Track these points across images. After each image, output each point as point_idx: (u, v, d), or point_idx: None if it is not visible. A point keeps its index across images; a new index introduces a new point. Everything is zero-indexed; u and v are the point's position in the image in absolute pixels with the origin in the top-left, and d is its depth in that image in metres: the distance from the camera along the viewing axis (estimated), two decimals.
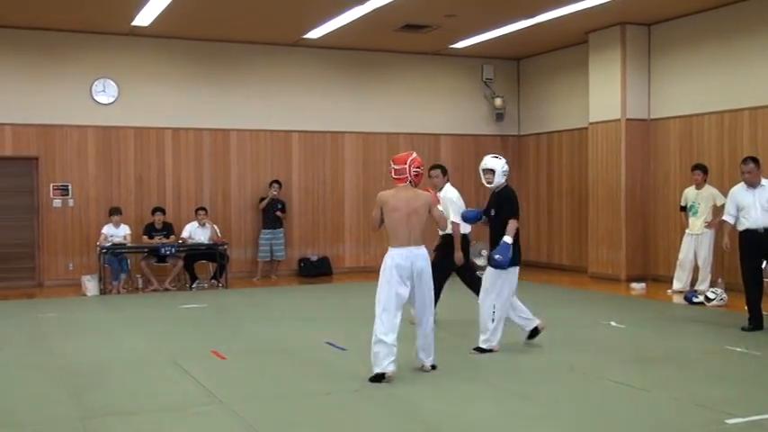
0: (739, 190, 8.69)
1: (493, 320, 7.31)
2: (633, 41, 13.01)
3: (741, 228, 8.64)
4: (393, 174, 6.71)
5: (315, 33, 13.23)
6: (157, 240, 12.55)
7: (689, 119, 12.43)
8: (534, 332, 7.77)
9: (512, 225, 7.20)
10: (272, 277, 13.87)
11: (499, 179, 7.38)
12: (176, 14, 11.79)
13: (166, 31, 13.01)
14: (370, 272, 14.60)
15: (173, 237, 12.73)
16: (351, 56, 14.80)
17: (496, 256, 7.12)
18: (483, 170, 7.44)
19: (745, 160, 8.76)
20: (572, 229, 14.77)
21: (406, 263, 6.45)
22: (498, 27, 13.02)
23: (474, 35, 13.65)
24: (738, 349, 7.55)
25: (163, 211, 12.89)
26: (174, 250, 12.47)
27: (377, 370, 6.39)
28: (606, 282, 12.87)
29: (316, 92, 14.58)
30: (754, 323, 8.52)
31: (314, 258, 14.44)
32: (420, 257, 6.52)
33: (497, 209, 7.40)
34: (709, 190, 11.20)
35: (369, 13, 11.72)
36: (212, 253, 12.81)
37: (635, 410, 5.63)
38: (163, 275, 12.68)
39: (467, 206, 8.80)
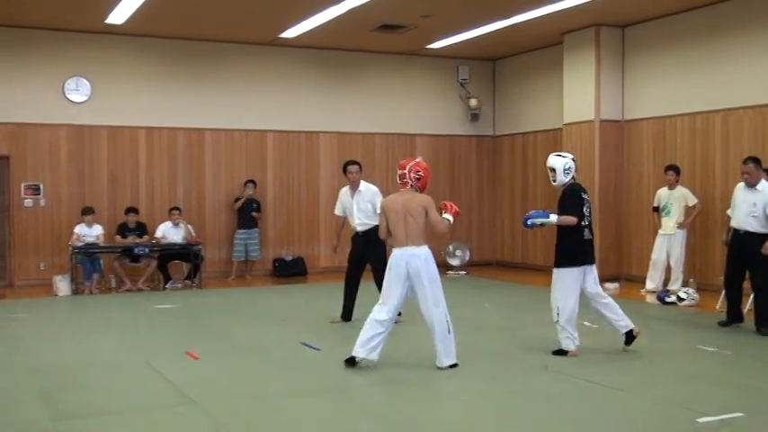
0: (739, 187, 8.74)
1: (557, 322, 7.22)
2: (607, 43, 13.10)
3: (731, 224, 8.82)
4: (398, 179, 6.99)
5: (291, 33, 13.19)
6: (131, 240, 12.45)
7: (662, 120, 12.54)
8: (629, 337, 7.48)
9: (566, 217, 7.17)
10: (246, 277, 13.81)
11: (562, 177, 7.31)
12: (151, 12, 11.70)
13: (141, 29, 12.90)
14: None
15: (146, 237, 12.64)
16: (327, 55, 14.77)
17: (525, 216, 7.38)
18: (548, 168, 7.43)
19: (745, 160, 8.72)
20: (546, 229, 14.79)
21: (401, 262, 6.71)
22: (474, 28, 13.05)
23: (450, 36, 13.68)
24: (710, 348, 7.62)
25: (136, 210, 12.78)
26: (147, 250, 12.39)
27: (353, 353, 6.73)
28: None
29: (291, 91, 14.54)
30: (731, 317, 8.67)
31: (289, 258, 14.40)
32: (415, 257, 6.70)
33: (558, 208, 7.36)
34: (681, 190, 11.31)
35: (345, 13, 11.70)
36: (186, 253, 12.73)
37: (608, 409, 5.67)
38: (136, 275, 12.57)
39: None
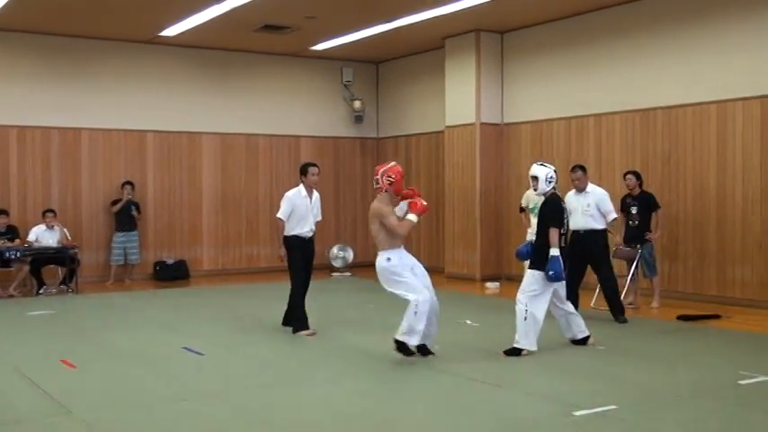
0: (569, 195, 9.37)
1: (525, 319, 7.29)
2: (487, 48, 13.43)
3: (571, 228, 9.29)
4: (374, 184, 7.14)
5: (171, 31, 12.91)
6: (0, 244, 11.91)
7: (539, 123, 12.96)
8: (583, 341, 7.78)
9: (552, 235, 7.29)
10: (125, 281, 13.43)
11: (544, 186, 7.50)
12: (23, 6, 11.23)
13: (13, 23, 12.36)
14: (229, 274, 14.44)
15: (18, 240, 12.12)
16: (209, 55, 14.55)
17: (550, 273, 7.22)
18: (530, 177, 7.62)
19: (573, 168, 9.56)
20: (429, 230, 15.07)
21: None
22: (358, 30, 13.13)
23: (334, 37, 13.71)
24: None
25: (6, 213, 12.25)
26: (18, 254, 11.88)
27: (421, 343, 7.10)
28: (462, 281, 13.21)
29: (173, 91, 14.25)
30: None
31: (170, 261, 14.09)
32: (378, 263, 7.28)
33: (539, 218, 7.51)
34: None
35: (227, 12, 11.55)
36: (61, 257, 12.27)
37: (487, 405, 5.81)
38: (6, 281, 12.02)
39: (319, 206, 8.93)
